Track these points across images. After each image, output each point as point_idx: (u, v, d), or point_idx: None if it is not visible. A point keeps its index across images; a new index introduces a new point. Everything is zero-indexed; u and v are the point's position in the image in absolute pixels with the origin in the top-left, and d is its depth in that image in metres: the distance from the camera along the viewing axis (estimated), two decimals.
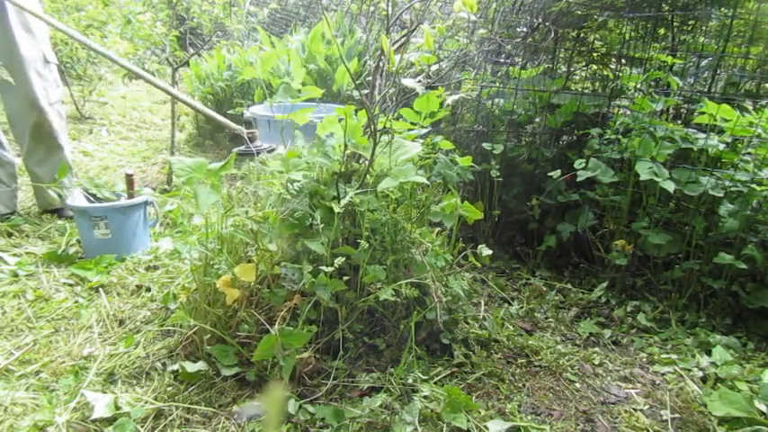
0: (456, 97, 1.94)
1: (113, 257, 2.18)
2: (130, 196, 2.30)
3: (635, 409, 1.53)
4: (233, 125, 2.04)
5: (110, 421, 1.34)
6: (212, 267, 1.58)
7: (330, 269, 1.42)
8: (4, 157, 2.53)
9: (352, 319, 1.57)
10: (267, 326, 1.45)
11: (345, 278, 1.50)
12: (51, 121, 2.47)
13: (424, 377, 1.55)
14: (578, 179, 2.14)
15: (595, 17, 2.54)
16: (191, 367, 1.50)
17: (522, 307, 2.08)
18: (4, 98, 2.42)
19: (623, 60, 2.64)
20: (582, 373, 1.70)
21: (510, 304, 2.11)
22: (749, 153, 2.01)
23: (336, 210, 1.42)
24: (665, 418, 1.49)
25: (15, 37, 2.30)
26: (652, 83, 2.45)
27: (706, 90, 2.50)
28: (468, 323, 1.81)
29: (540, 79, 2.50)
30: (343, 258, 1.44)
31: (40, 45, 2.42)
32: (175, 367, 1.54)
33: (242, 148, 2.06)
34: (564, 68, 2.74)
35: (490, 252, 1.74)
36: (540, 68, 2.61)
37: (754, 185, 1.88)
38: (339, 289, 1.48)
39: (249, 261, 1.63)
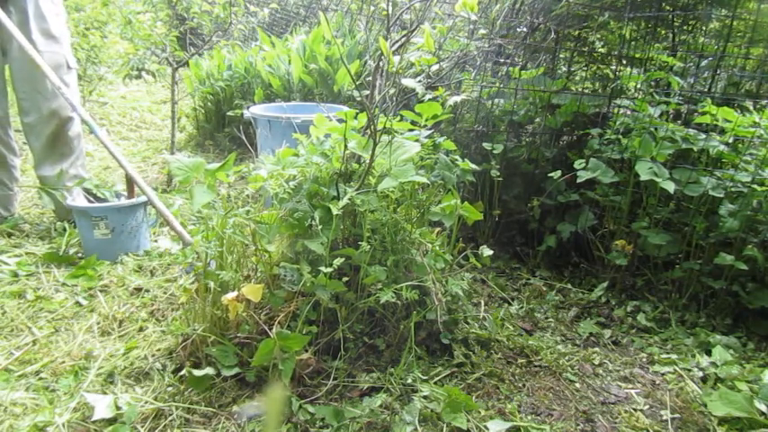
0: (458, 99, 1.94)
1: (113, 258, 2.18)
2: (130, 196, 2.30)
3: (635, 409, 1.53)
4: (178, 229, 1.88)
5: (110, 422, 1.34)
6: (211, 267, 1.58)
7: (329, 270, 1.42)
8: (12, 161, 2.50)
9: (352, 319, 1.57)
10: (266, 327, 1.45)
11: (345, 279, 1.50)
12: (69, 130, 2.42)
13: (424, 377, 1.55)
14: (578, 180, 2.14)
15: (596, 17, 2.54)
16: (197, 372, 1.48)
17: (522, 307, 2.08)
18: (24, 106, 2.34)
19: (623, 60, 2.63)
20: (582, 373, 1.70)
21: (510, 304, 2.10)
22: (751, 153, 2.01)
23: (335, 211, 1.42)
24: (665, 418, 1.49)
25: (37, 44, 2.23)
26: (652, 83, 2.45)
27: (706, 90, 2.50)
28: (468, 323, 1.80)
29: (540, 79, 2.50)
30: (343, 259, 1.44)
31: (63, 51, 2.35)
32: (175, 368, 1.53)
33: None
34: (564, 69, 2.74)
35: (491, 252, 1.74)
36: (541, 69, 2.61)
37: (755, 186, 1.87)
38: (338, 290, 1.48)
39: (249, 262, 1.63)
